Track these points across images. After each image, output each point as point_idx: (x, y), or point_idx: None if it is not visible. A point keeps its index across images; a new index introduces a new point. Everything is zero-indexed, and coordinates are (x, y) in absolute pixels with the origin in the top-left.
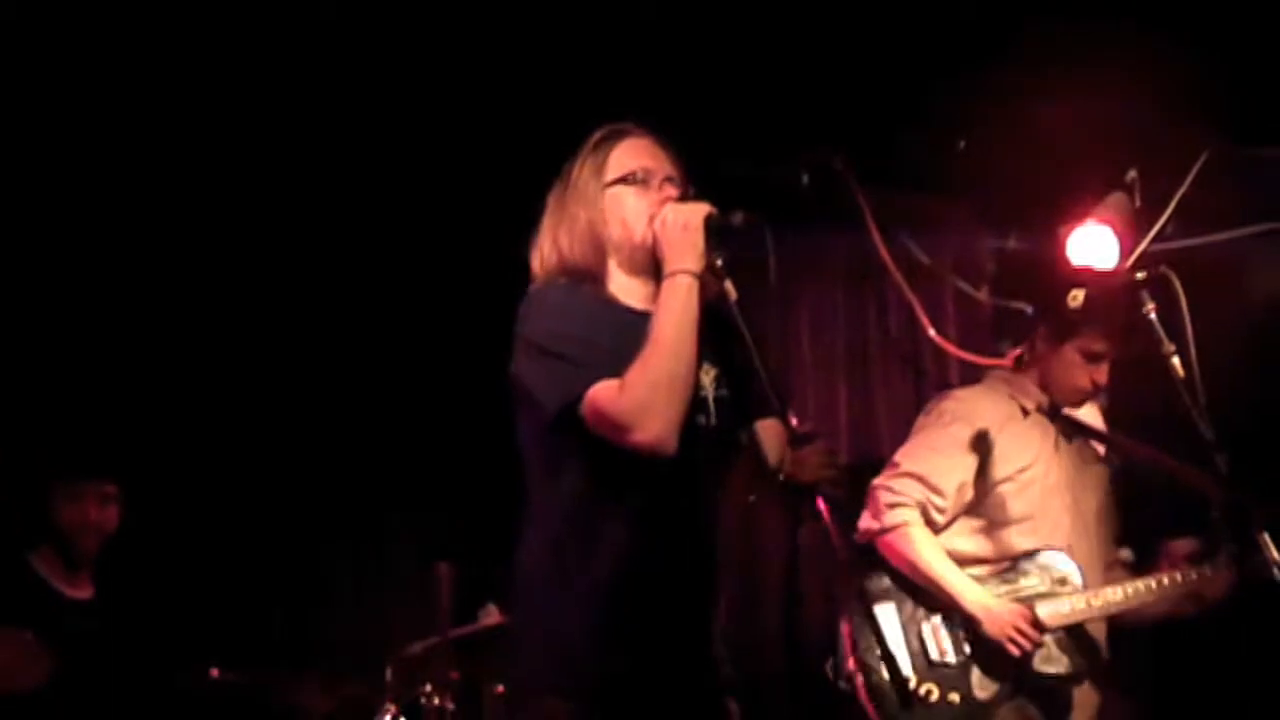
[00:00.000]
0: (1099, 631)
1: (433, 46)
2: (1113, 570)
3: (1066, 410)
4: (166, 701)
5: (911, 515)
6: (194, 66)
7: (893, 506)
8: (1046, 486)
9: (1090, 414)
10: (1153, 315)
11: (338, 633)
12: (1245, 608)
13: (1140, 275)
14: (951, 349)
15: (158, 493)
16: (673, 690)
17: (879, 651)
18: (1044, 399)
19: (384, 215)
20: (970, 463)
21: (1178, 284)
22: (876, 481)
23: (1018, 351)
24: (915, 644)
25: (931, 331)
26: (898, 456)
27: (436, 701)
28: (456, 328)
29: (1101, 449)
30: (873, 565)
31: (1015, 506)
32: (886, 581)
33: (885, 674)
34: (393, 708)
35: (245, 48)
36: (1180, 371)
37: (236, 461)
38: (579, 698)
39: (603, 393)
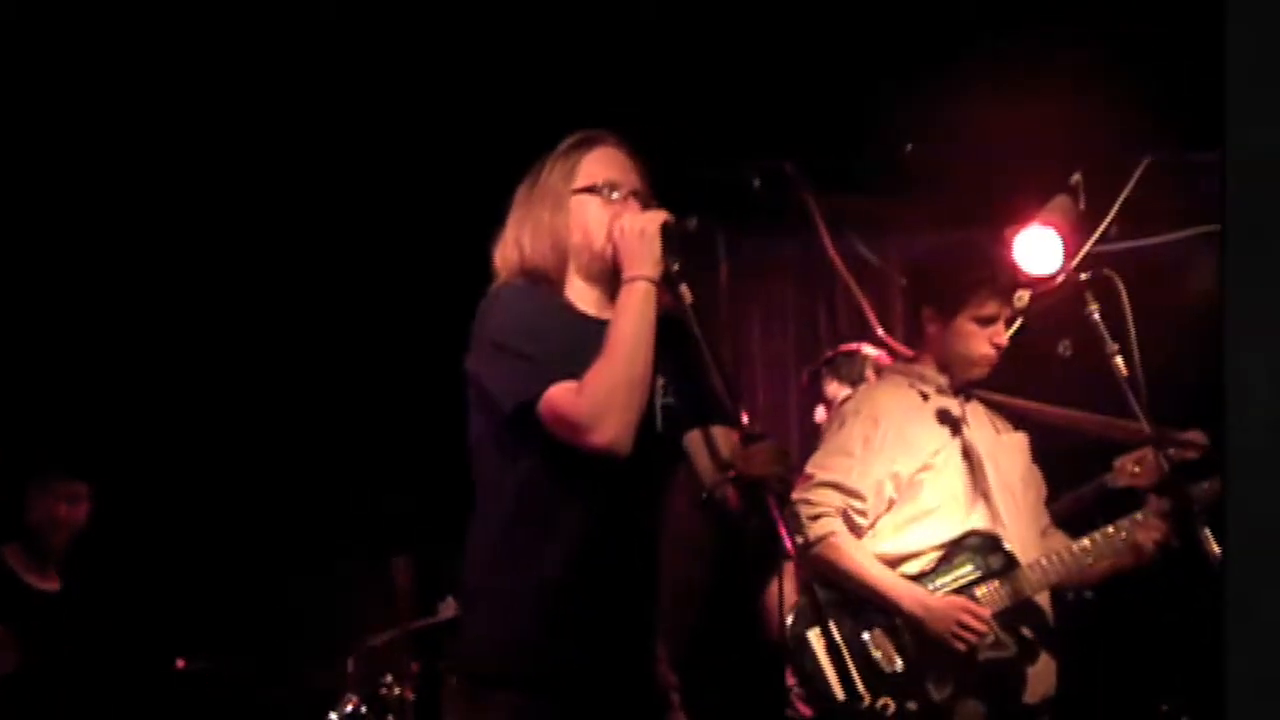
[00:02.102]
0: (1043, 601)
1: (400, 47)
2: (1048, 536)
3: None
4: (132, 692)
5: (836, 524)
6: (162, 66)
7: (815, 518)
8: (962, 467)
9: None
10: (1096, 316)
11: (300, 625)
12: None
13: (1084, 277)
14: (900, 348)
15: (125, 489)
16: (617, 683)
17: (826, 677)
18: (943, 380)
19: (343, 213)
20: (882, 460)
21: (1121, 285)
22: (794, 495)
23: (906, 350)
24: (861, 659)
25: (880, 331)
26: (809, 467)
27: (397, 692)
28: (415, 321)
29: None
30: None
31: (935, 494)
32: (824, 596)
33: (839, 695)
34: (354, 698)
35: (214, 46)
36: (1123, 370)
37: (201, 458)
38: (526, 689)
39: (561, 394)
